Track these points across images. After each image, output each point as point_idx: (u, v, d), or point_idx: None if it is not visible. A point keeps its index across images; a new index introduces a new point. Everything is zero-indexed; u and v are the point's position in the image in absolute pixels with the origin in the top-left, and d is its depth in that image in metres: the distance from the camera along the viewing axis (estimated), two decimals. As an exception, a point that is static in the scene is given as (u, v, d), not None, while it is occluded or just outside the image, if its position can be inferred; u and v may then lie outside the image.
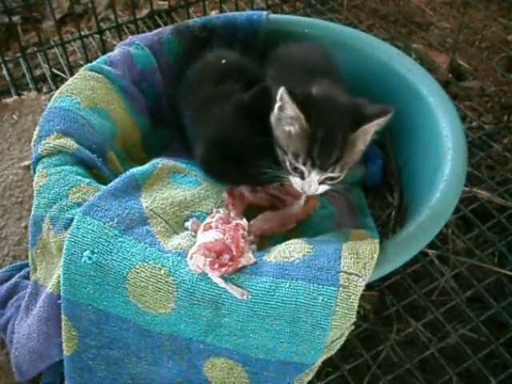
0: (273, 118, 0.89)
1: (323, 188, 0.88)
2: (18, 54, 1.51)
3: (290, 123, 0.85)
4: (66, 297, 0.75)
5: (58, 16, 1.70)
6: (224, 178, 0.97)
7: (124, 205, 0.80)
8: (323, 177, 0.86)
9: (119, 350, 0.78)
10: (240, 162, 0.92)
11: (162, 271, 0.73)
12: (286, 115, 0.85)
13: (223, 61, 1.05)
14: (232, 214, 0.88)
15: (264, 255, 0.76)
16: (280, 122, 0.87)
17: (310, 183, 0.86)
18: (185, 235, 0.80)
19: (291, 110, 0.84)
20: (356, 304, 0.71)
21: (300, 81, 0.95)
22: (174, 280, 0.72)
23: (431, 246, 1.05)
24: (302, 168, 0.85)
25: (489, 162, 1.26)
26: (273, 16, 1.20)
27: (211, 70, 1.05)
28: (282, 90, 0.83)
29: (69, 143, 0.88)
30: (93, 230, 0.75)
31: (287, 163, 0.87)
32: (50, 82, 1.51)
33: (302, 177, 0.87)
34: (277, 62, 1.05)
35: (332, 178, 0.87)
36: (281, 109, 0.86)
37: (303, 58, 1.03)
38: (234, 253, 0.74)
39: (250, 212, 0.95)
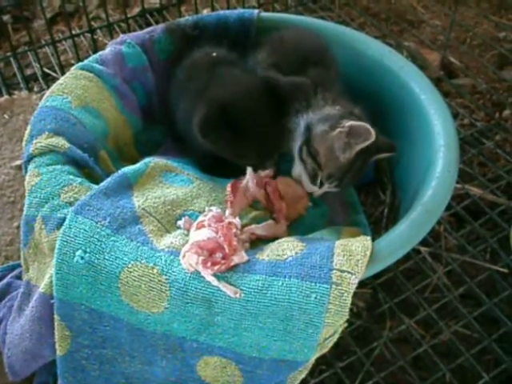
0: (321, 133, 0.92)
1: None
2: (9, 54, 1.50)
3: (342, 149, 0.91)
4: (59, 296, 0.75)
5: (48, 15, 1.70)
6: (221, 149, 0.94)
7: (116, 204, 0.80)
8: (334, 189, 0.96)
9: (112, 350, 0.78)
10: (245, 135, 0.91)
11: (155, 270, 0.72)
12: (345, 142, 0.90)
13: (214, 53, 1.05)
14: (226, 213, 0.88)
15: (257, 253, 0.76)
16: (331, 143, 0.91)
17: (321, 191, 0.96)
18: (177, 234, 0.80)
19: (365, 142, 0.88)
20: (349, 301, 0.71)
21: (295, 69, 1.00)
22: (166, 279, 0.72)
23: (423, 243, 1.04)
24: (327, 185, 0.94)
25: (481, 159, 1.26)
26: (264, 14, 1.20)
27: (203, 63, 1.04)
28: (370, 129, 0.87)
29: (60, 142, 0.87)
30: (85, 230, 0.75)
31: (318, 179, 0.94)
32: (41, 81, 1.51)
33: (320, 187, 0.95)
34: (271, 46, 1.07)
35: None
36: (345, 134, 0.89)
37: (297, 45, 1.06)
38: (227, 251, 0.74)
39: (247, 211, 0.95)
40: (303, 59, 1.02)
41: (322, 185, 0.95)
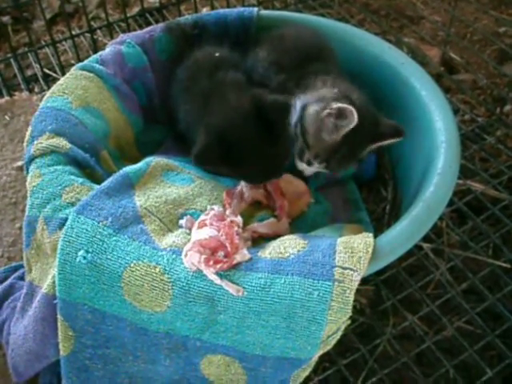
0: (313, 114, 0.93)
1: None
2: (9, 55, 1.50)
3: (329, 130, 0.91)
4: (62, 297, 0.75)
5: (48, 16, 1.70)
6: (224, 175, 0.96)
7: (118, 204, 0.80)
8: (325, 171, 0.97)
9: (116, 349, 0.78)
10: (246, 160, 0.91)
11: (157, 269, 0.72)
12: (332, 122, 0.91)
13: (216, 54, 1.05)
14: (227, 212, 0.88)
15: (259, 251, 0.76)
16: (320, 123, 0.92)
17: (312, 171, 0.98)
18: (179, 233, 0.80)
19: (347, 125, 0.89)
20: (351, 298, 0.71)
21: (296, 66, 1.01)
22: (169, 278, 0.72)
23: (426, 239, 1.05)
24: (316, 164, 0.95)
25: (482, 155, 1.26)
26: (264, 12, 1.20)
27: (205, 63, 1.04)
28: (352, 109, 0.87)
29: (61, 143, 0.88)
30: (87, 230, 0.75)
31: (305, 157, 0.96)
32: (41, 82, 1.50)
33: (309, 165, 0.97)
34: (271, 45, 1.07)
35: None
36: (331, 115, 0.90)
37: (297, 42, 1.06)
38: (229, 249, 0.74)
39: (249, 210, 0.95)
40: (304, 56, 1.02)
41: (310, 163, 0.96)
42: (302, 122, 0.95)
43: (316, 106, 0.93)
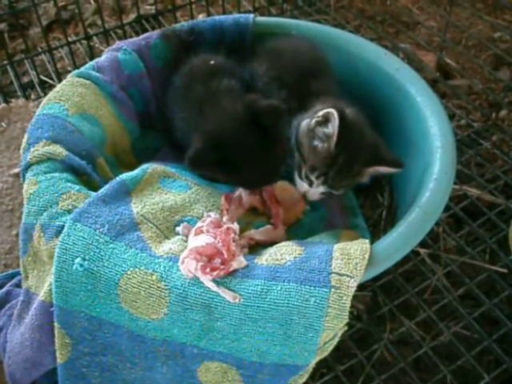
0: (305, 126, 0.94)
1: (319, 196, 0.96)
2: (5, 62, 1.50)
3: (321, 139, 0.91)
4: (59, 304, 0.75)
5: (44, 22, 1.70)
6: (219, 180, 0.96)
7: (114, 211, 0.80)
8: (327, 191, 0.94)
9: (113, 357, 0.78)
10: (241, 167, 0.91)
11: (154, 276, 0.72)
12: (321, 131, 0.91)
13: (211, 62, 1.05)
14: (224, 219, 0.88)
15: (255, 258, 0.76)
16: (310, 133, 0.92)
17: (314, 193, 0.95)
18: (176, 240, 0.80)
19: (333, 130, 0.88)
20: (348, 305, 0.71)
21: (297, 82, 1.01)
22: (166, 285, 0.72)
23: (422, 244, 1.05)
24: (314, 180, 0.93)
25: (478, 160, 1.27)
26: (260, 19, 1.20)
27: (200, 71, 1.04)
28: (332, 111, 0.87)
29: (58, 150, 0.88)
30: (84, 237, 0.75)
31: (302, 172, 0.94)
32: (38, 88, 1.51)
33: (310, 185, 0.94)
34: (269, 59, 1.07)
35: (332, 193, 0.95)
36: (320, 124, 0.90)
37: (295, 57, 1.06)
38: (226, 256, 0.74)
39: (246, 216, 0.95)
40: (303, 71, 1.02)
41: (310, 181, 0.94)
42: (297, 137, 0.95)
43: (307, 119, 0.94)
